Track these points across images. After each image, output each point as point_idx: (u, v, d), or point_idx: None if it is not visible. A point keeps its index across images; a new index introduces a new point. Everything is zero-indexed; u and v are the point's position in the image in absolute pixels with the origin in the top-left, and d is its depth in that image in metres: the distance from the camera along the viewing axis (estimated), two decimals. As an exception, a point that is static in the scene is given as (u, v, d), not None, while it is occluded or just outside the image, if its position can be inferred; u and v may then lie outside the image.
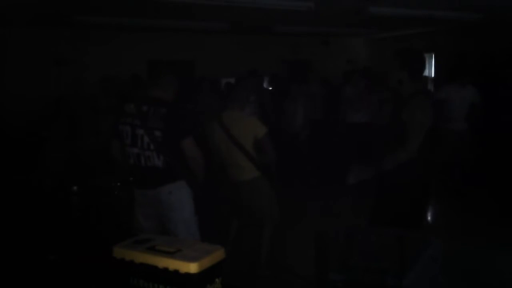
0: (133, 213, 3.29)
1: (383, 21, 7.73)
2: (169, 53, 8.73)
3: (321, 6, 5.82)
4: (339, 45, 10.84)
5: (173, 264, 1.43)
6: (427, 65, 3.98)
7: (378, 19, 7.14)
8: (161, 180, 3.10)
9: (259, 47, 9.53)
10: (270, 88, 8.23)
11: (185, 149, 3.07)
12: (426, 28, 8.73)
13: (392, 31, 9.60)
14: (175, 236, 3.09)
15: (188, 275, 1.40)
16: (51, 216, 3.85)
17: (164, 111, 3.02)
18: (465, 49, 8.16)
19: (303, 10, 5.92)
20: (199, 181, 3.22)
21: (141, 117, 3.05)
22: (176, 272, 1.42)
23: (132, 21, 7.21)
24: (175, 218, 3.14)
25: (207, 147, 3.80)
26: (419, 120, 3.00)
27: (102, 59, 8.06)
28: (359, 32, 9.78)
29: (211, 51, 9.21)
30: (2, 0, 5.36)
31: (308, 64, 9.65)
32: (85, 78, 7.73)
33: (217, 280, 1.49)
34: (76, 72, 7.90)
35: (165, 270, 1.43)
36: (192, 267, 1.40)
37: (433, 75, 9.83)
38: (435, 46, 9.57)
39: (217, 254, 1.50)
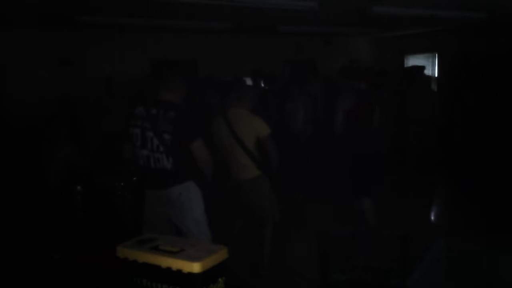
0: (142, 212, 3.30)
1: (386, 21, 7.70)
2: (172, 53, 8.72)
3: (324, 5, 5.80)
4: (342, 45, 10.80)
5: (176, 263, 1.42)
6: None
7: (381, 18, 7.11)
8: (171, 181, 3.12)
9: (261, 47, 9.50)
10: (272, 88, 8.18)
11: (194, 152, 3.07)
12: (429, 27, 8.69)
13: (395, 31, 9.56)
14: (188, 235, 3.11)
15: (191, 274, 1.40)
16: (55, 216, 3.85)
17: (173, 114, 3.03)
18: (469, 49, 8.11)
19: (306, 10, 5.90)
20: (208, 182, 3.23)
21: (151, 120, 3.06)
22: (179, 271, 1.41)
23: (134, 21, 7.20)
24: (186, 218, 3.16)
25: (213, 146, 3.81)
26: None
27: (105, 59, 8.05)
28: (362, 31, 9.74)
29: (213, 51, 9.20)
30: (4, 1, 5.35)
31: (311, 64, 9.61)
32: (88, 78, 7.72)
33: (220, 279, 1.49)
34: (79, 72, 7.89)
35: (168, 269, 1.43)
36: (195, 267, 1.40)
37: (436, 75, 9.80)
38: (438, 45, 9.53)
39: (220, 254, 1.50)
